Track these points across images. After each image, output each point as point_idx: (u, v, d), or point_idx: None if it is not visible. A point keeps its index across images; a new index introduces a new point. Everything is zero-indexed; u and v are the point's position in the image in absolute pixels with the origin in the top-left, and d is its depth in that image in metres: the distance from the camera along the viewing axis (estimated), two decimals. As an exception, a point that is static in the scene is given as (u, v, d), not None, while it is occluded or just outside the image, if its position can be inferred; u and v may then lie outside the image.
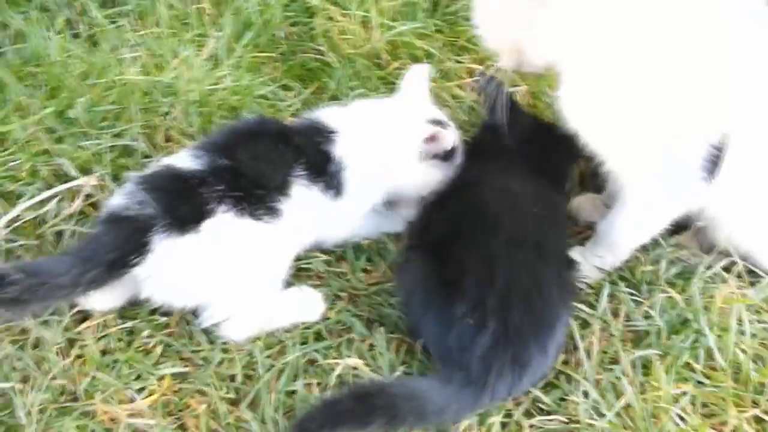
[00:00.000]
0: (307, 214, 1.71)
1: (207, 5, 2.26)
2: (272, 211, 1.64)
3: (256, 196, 1.63)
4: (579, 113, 1.67)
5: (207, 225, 1.57)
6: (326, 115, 1.83)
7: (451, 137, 1.84)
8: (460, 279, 1.57)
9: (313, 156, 1.73)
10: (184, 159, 1.67)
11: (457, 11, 2.34)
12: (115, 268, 1.52)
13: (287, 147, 1.71)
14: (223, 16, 2.25)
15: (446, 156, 1.85)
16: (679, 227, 1.86)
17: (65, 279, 1.48)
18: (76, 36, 2.19)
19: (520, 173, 1.76)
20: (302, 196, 1.69)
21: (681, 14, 1.50)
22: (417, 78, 1.94)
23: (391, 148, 1.81)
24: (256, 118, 1.87)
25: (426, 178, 1.84)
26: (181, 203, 1.58)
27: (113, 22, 2.22)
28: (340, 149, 1.75)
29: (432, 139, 1.81)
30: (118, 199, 1.60)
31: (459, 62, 2.23)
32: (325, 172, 1.73)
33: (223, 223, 1.58)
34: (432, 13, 2.35)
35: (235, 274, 1.61)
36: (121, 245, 1.53)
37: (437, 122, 1.86)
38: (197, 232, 1.56)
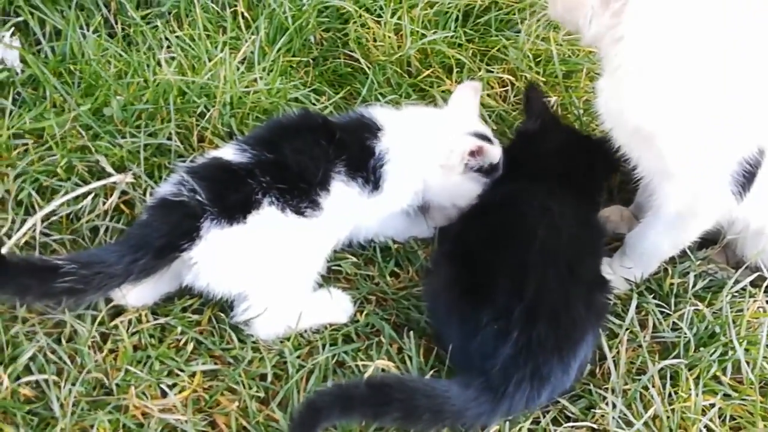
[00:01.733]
0: (345, 209, 1.74)
1: (242, 8, 2.28)
2: (315, 205, 1.67)
3: (300, 189, 1.66)
4: (617, 110, 1.68)
5: (254, 217, 1.60)
6: (375, 112, 1.87)
7: (497, 152, 1.87)
8: (489, 286, 1.58)
9: (356, 151, 1.76)
10: (231, 152, 1.70)
11: (488, 21, 2.35)
12: (164, 253, 1.55)
13: (330, 142, 1.74)
14: (257, 20, 2.26)
15: (488, 170, 1.88)
16: (708, 241, 1.87)
17: (118, 268, 1.51)
18: (111, 35, 2.21)
19: (560, 191, 1.76)
20: (341, 191, 1.72)
21: (730, 29, 1.51)
22: (467, 93, 1.97)
23: (434, 154, 1.84)
24: (300, 112, 1.90)
25: (464, 189, 1.87)
26: (230, 193, 1.61)
27: (149, 23, 2.24)
28: (383, 146, 1.78)
29: (478, 152, 1.83)
30: (168, 187, 1.64)
31: (489, 71, 2.25)
32: (365, 167, 1.76)
33: (269, 216, 1.62)
34: (463, 22, 2.37)
35: (277, 267, 1.64)
36: (172, 230, 1.56)
37: (483, 137, 1.88)
38: (244, 223, 1.59)
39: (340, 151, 1.75)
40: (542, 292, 1.54)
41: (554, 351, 1.51)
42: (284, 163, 1.68)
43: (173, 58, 2.11)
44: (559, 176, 1.81)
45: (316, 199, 1.69)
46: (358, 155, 1.77)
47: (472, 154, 1.84)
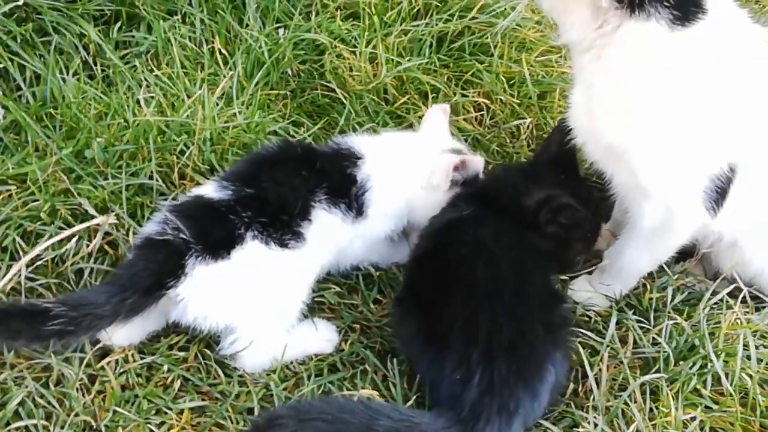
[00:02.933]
0: (329, 237, 1.77)
1: (219, 45, 2.31)
2: (297, 236, 1.70)
3: (282, 221, 1.70)
4: (590, 126, 1.71)
5: (238, 252, 1.64)
6: (353, 141, 1.90)
7: (480, 162, 1.93)
8: (446, 335, 1.60)
9: (337, 179, 1.80)
10: (212, 189, 1.74)
11: (462, 46, 2.39)
12: (151, 291, 1.59)
13: (310, 171, 1.78)
14: (234, 55, 2.30)
15: (472, 182, 1.92)
16: (685, 254, 1.90)
17: (107, 308, 1.55)
18: (91, 77, 2.24)
19: (491, 220, 1.78)
20: (324, 220, 1.76)
21: (701, 56, 1.56)
22: (437, 115, 2.00)
23: (416, 176, 1.88)
24: (280, 142, 1.94)
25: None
26: (213, 229, 1.65)
27: (127, 63, 2.27)
28: (364, 173, 1.82)
29: (462, 165, 1.88)
30: (153, 226, 1.67)
31: (464, 95, 2.29)
32: (347, 194, 1.80)
33: (253, 250, 1.65)
34: (438, 48, 2.41)
35: (263, 299, 1.67)
36: (158, 269, 1.60)
37: (459, 152, 1.93)
38: (229, 259, 1.63)
39: (321, 179, 1.78)
40: (495, 331, 1.56)
41: (518, 382, 1.53)
42: (264, 197, 1.72)
43: (153, 97, 2.15)
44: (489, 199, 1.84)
45: (298, 230, 1.72)
46: (340, 183, 1.81)
47: (456, 168, 1.87)
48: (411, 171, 1.89)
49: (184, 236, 1.62)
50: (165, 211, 1.69)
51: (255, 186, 1.73)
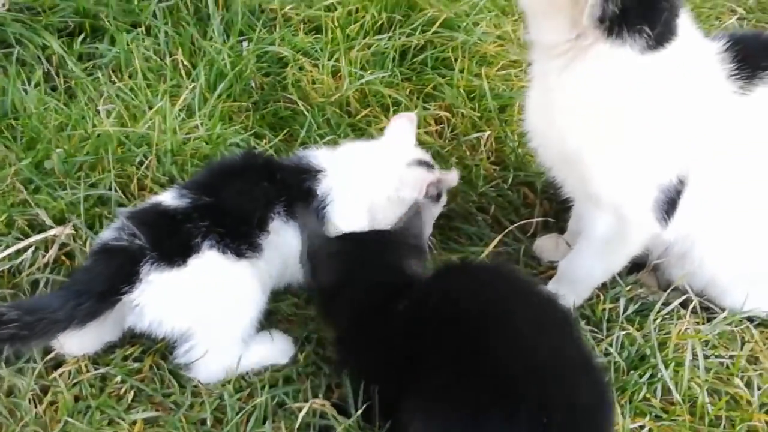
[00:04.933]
0: (287, 249, 1.77)
1: (181, 57, 2.33)
2: (255, 247, 1.71)
3: (239, 232, 1.70)
4: (544, 131, 1.74)
5: (194, 260, 1.64)
6: (314, 154, 1.91)
7: (454, 177, 1.94)
8: None
9: (296, 192, 1.80)
10: (170, 197, 1.74)
11: (424, 60, 2.42)
12: (106, 297, 1.59)
13: (271, 182, 1.78)
14: (197, 67, 2.31)
15: (438, 196, 1.94)
16: (639, 265, 1.93)
17: (61, 313, 1.55)
18: (54, 89, 2.25)
19: None
20: (282, 232, 1.76)
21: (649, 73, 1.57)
22: (403, 124, 2.01)
23: (380, 187, 1.89)
24: (243, 153, 1.96)
25: None
26: (169, 237, 1.65)
27: (90, 75, 2.28)
28: (325, 186, 1.83)
29: (438, 182, 1.90)
30: (110, 232, 1.68)
31: (426, 108, 2.31)
32: (307, 206, 1.80)
33: (210, 259, 1.65)
34: (400, 62, 2.43)
35: (219, 308, 1.67)
36: (113, 275, 1.60)
37: (426, 163, 1.94)
38: (185, 266, 1.63)
39: (280, 191, 1.79)
40: None
41: None
42: (223, 207, 1.72)
43: (114, 109, 2.15)
44: None
45: (255, 241, 1.72)
46: (299, 196, 1.81)
47: (432, 184, 1.89)
48: (375, 183, 1.89)
49: (139, 242, 1.62)
50: (122, 218, 1.70)
51: (214, 195, 1.73)
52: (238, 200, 1.75)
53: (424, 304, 1.54)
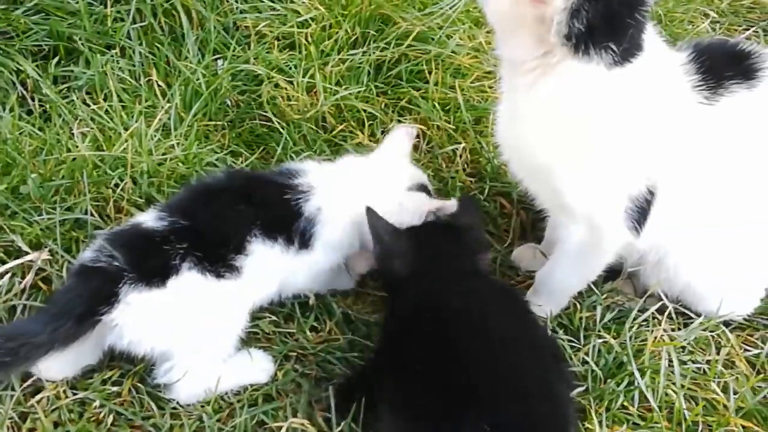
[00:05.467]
0: (267, 269, 1.77)
1: (156, 77, 2.33)
2: (233, 269, 1.71)
3: (218, 254, 1.70)
4: (515, 144, 1.75)
5: (173, 281, 1.64)
6: (303, 169, 1.90)
7: (452, 205, 1.93)
8: None
9: (280, 211, 1.80)
10: (150, 219, 1.74)
11: (399, 74, 2.43)
12: (85, 318, 1.59)
13: (250, 203, 1.78)
14: (172, 87, 2.32)
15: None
16: (616, 273, 1.94)
17: (42, 337, 1.55)
18: (29, 113, 2.25)
19: None
20: (262, 252, 1.75)
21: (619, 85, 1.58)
22: (401, 138, 2.02)
23: (375, 207, 1.85)
24: (225, 172, 1.97)
25: None
26: (147, 258, 1.65)
27: (65, 98, 2.28)
28: (313, 206, 1.82)
29: (437, 210, 1.91)
30: (88, 254, 1.68)
31: (401, 122, 2.32)
32: (289, 227, 1.79)
33: (189, 280, 1.66)
34: (375, 76, 2.44)
35: (198, 329, 1.67)
36: (91, 296, 1.61)
37: (425, 188, 1.97)
38: (163, 287, 1.63)
39: (261, 212, 1.78)
40: None
41: None
42: (201, 229, 1.72)
43: (90, 131, 2.16)
44: None
45: (233, 264, 1.72)
46: (282, 215, 1.80)
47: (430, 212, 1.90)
48: (369, 203, 1.86)
49: (117, 264, 1.63)
50: (101, 239, 1.70)
51: (192, 218, 1.74)
52: (216, 223, 1.75)
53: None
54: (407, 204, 1.90)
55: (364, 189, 1.91)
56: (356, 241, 1.92)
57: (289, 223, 1.80)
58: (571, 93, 1.57)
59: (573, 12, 1.45)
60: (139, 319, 1.63)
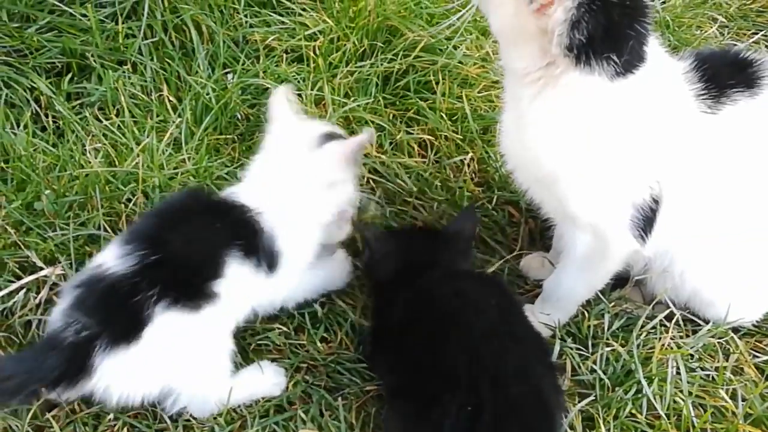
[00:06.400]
0: (243, 291, 1.73)
1: (168, 93, 2.37)
2: (210, 297, 1.65)
3: (194, 286, 1.64)
4: (520, 154, 1.76)
5: (149, 330, 1.59)
6: (239, 193, 1.82)
7: (367, 135, 1.91)
8: None
9: (247, 230, 1.74)
10: (115, 258, 1.64)
11: (407, 85, 2.45)
12: (61, 384, 1.57)
13: (222, 223, 1.73)
14: (183, 102, 2.35)
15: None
16: (624, 281, 1.95)
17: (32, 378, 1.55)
18: (43, 129, 2.29)
19: None
20: (237, 274, 1.70)
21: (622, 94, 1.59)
22: (281, 103, 1.92)
23: (317, 207, 1.83)
24: (186, 193, 1.93)
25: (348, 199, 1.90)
26: (117, 317, 1.59)
27: (78, 114, 2.32)
28: (267, 224, 1.76)
29: (352, 152, 1.86)
30: (57, 318, 1.62)
31: (409, 133, 2.34)
32: (257, 245, 1.74)
33: (165, 322, 1.60)
34: (383, 87, 2.46)
35: (186, 364, 1.65)
36: (65, 371, 1.56)
37: (333, 135, 1.89)
38: (140, 340, 1.59)
39: (232, 232, 1.72)
40: None
41: None
42: (172, 262, 1.64)
43: (102, 147, 2.19)
44: None
45: (210, 291, 1.65)
46: (251, 234, 1.74)
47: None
48: (312, 205, 1.82)
49: (87, 332, 1.57)
50: (67, 305, 1.62)
51: (161, 248, 1.65)
52: (187, 251, 1.67)
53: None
54: (325, 161, 1.82)
55: (299, 196, 1.81)
56: (318, 235, 1.87)
57: (256, 242, 1.74)
58: (574, 104, 1.59)
59: (573, 23, 1.46)
60: (120, 378, 1.59)
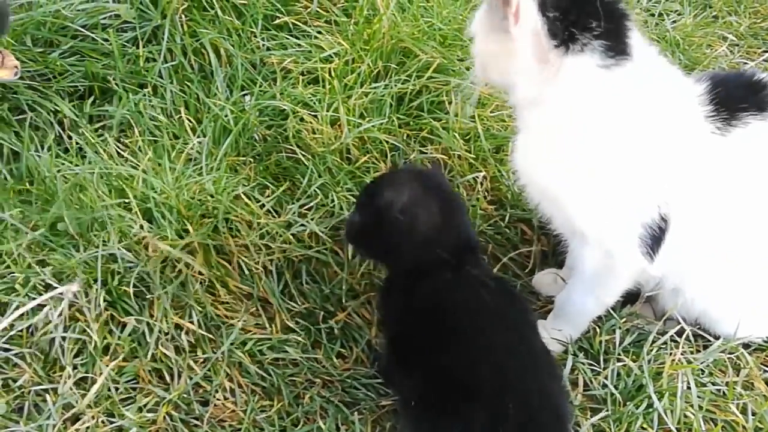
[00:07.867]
0: None
1: (186, 115, 2.42)
2: None
3: None
4: (529, 169, 1.81)
5: None
6: None
7: None
8: None
9: None
10: None
11: (420, 105, 2.49)
12: None
13: None
14: (202, 124, 2.41)
15: None
16: (636, 296, 1.98)
17: None
18: (66, 151, 2.35)
19: None
20: None
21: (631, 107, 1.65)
22: None
23: None
24: None
25: None
26: None
27: (100, 136, 2.38)
28: None
29: None
30: None
31: (423, 152, 2.38)
32: None
33: None
34: (397, 107, 2.51)
35: None
36: None
37: None
38: None
39: None
40: None
41: None
42: None
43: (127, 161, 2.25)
44: None
45: None
46: None
47: None
48: None
49: None
50: None
51: None
52: None
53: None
54: None
55: None
56: None
57: None
58: (571, 97, 1.63)
59: (540, 5, 1.55)
60: None
